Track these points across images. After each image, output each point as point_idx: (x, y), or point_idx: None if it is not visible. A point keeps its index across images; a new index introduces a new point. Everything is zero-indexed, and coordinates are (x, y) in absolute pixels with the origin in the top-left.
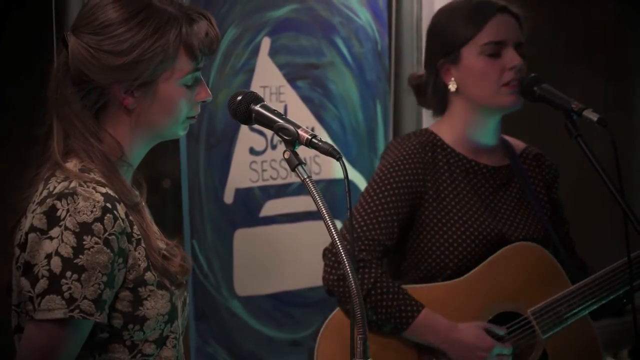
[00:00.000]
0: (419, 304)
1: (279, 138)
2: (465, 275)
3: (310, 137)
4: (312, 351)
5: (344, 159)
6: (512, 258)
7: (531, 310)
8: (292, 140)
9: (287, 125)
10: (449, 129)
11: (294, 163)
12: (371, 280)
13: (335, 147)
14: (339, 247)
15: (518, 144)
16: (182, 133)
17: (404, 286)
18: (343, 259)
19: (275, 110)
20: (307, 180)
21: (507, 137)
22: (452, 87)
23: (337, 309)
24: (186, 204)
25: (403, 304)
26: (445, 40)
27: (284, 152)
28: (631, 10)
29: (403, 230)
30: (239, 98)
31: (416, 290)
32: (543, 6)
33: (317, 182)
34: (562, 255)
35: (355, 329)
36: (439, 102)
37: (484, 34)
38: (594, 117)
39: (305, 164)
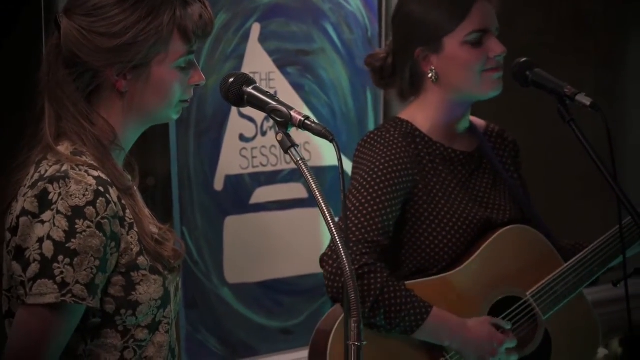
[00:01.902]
0: (427, 304)
1: (269, 124)
2: (462, 266)
3: (303, 119)
4: (304, 338)
5: (336, 140)
6: (506, 243)
7: (530, 293)
8: (284, 122)
9: (279, 107)
10: (424, 116)
11: (287, 145)
12: (378, 285)
13: (328, 128)
14: (334, 234)
15: (479, 122)
16: (175, 117)
17: (407, 283)
18: (339, 248)
19: (267, 92)
20: (300, 162)
21: (471, 118)
22: (433, 76)
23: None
24: (176, 191)
25: (412, 306)
26: (425, 29)
27: (276, 134)
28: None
29: (397, 225)
30: (231, 80)
31: (416, 285)
32: None
33: None
34: (545, 229)
35: (348, 312)
36: (412, 88)
37: (467, 23)
38: (587, 101)
39: (297, 146)
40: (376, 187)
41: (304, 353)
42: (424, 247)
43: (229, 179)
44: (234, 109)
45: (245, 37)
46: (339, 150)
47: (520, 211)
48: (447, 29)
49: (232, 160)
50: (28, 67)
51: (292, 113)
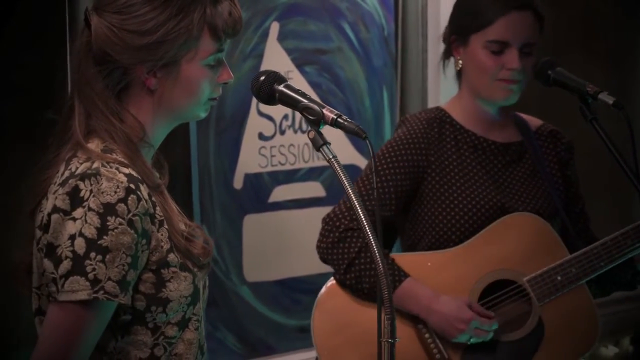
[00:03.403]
0: (403, 273)
1: (287, 123)
2: (464, 243)
3: (335, 117)
4: None
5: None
6: (510, 227)
7: (527, 278)
8: (316, 119)
9: (311, 104)
10: (459, 106)
11: (319, 143)
12: (356, 249)
13: (361, 126)
14: (366, 230)
15: (534, 121)
16: (203, 115)
17: (394, 255)
18: (370, 241)
19: (299, 89)
20: (333, 160)
21: (523, 115)
22: (457, 66)
23: (330, 281)
24: (196, 189)
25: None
26: (461, 21)
27: (308, 132)
28: None
29: (405, 203)
30: (262, 78)
31: (408, 258)
32: None
33: (324, 169)
34: (570, 231)
35: (382, 308)
36: (457, 73)
37: (492, 30)
38: (610, 100)
39: (329, 143)
40: (383, 162)
41: None
42: (436, 224)
43: (248, 177)
44: (253, 108)
45: (265, 35)
46: (372, 148)
47: (547, 207)
48: (474, 28)
49: (251, 158)
50: (53, 66)
51: (325, 111)
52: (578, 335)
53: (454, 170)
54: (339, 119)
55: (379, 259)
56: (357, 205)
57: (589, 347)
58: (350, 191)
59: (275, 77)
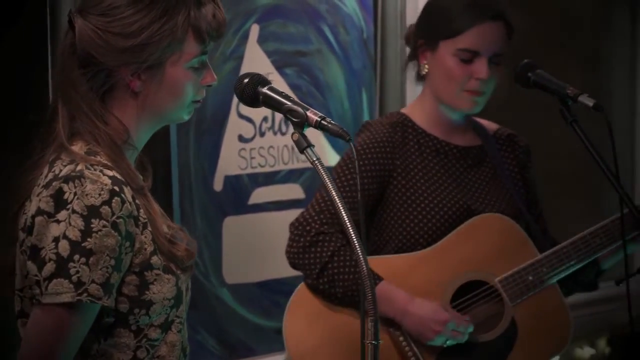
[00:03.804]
0: (377, 277)
1: (267, 125)
2: (433, 246)
3: (319, 119)
4: None
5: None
6: (480, 228)
7: (499, 279)
8: (300, 122)
9: (295, 107)
10: (421, 111)
11: (303, 145)
12: (328, 253)
13: (344, 128)
14: (349, 231)
15: (491, 125)
16: (187, 117)
17: (374, 257)
18: (354, 244)
19: (282, 92)
20: (316, 162)
21: (479, 119)
22: (422, 70)
23: (301, 285)
24: (176, 191)
25: (358, 277)
26: (431, 26)
27: (292, 134)
28: (606, 1)
29: (371, 208)
30: (246, 80)
31: (381, 261)
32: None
33: (303, 171)
34: (534, 231)
35: (365, 310)
36: (419, 77)
37: (464, 39)
38: (590, 102)
39: (313, 146)
40: (350, 166)
41: None
42: (403, 228)
43: (228, 179)
44: (233, 110)
45: (245, 38)
46: (355, 150)
47: (511, 208)
48: (445, 35)
49: (231, 160)
50: (34, 68)
51: (308, 113)
52: (551, 334)
53: (419, 174)
54: (322, 122)
55: (362, 261)
56: (341, 207)
57: (562, 345)
58: (334, 194)
59: (259, 80)
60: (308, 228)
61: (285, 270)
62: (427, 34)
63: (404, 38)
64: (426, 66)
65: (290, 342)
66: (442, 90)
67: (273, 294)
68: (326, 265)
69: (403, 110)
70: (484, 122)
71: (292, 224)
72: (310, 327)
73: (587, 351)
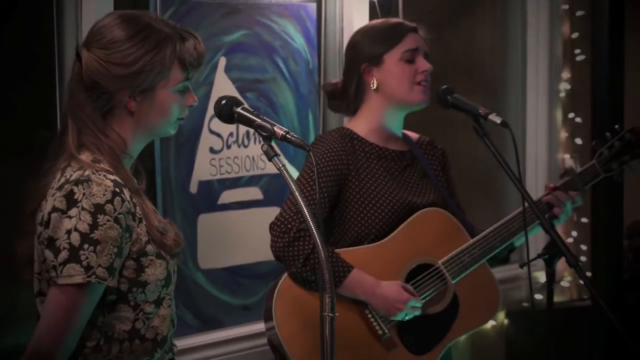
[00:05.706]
0: (349, 265)
1: (232, 139)
2: (386, 238)
3: (284, 133)
4: (260, 312)
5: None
6: (423, 221)
7: (441, 261)
8: (269, 135)
9: (264, 123)
10: (364, 123)
11: (271, 155)
12: (310, 246)
13: (305, 141)
14: (309, 222)
15: (413, 134)
16: (173, 132)
17: (337, 250)
18: (313, 232)
19: (254, 111)
20: (282, 168)
21: (405, 131)
22: (374, 85)
23: (285, 275)
24: (159, 193)
25: (336, 265)
26: (369, 49)
27: (262, 146)
28: (504, 37)
29: (332, 206)
30: (223, 102)
31: (347, 252)
32: (435, 33)
33: (262, 176)
34: (459, 217)
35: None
36: (355, 101)
37: (405, 43)
38: (498, 120)
39: (280, 155)
40: (311, 173)
41: (261, 325)
42: (355, 223)
43: (201, 183)
44: (205, 127)
45: (214, 67)
46: (313, 158)
47: (439, 199)
48: (387, 48)
49: (204, 168)
50: (46, 94)
51: (275, 128)
52: (485, 303)
53: (367, 176)
54: (287, 135)
55: (321, 248)
56: (304, 207)
57: (494, 311)
58: (297, 195)
59: (234, 101)
60: (289, 226)
61: (248, 258)
62: (368, 56)
63: (326, 87)
64: (375, 81)
65: (281, 324)
66: (397, 91)
67: (238, 277)
68: (309, 256)
69: (346, 125)
70: (408, 132)
71: (273, 224)
72: (297, 311)
73: (489, 323)
